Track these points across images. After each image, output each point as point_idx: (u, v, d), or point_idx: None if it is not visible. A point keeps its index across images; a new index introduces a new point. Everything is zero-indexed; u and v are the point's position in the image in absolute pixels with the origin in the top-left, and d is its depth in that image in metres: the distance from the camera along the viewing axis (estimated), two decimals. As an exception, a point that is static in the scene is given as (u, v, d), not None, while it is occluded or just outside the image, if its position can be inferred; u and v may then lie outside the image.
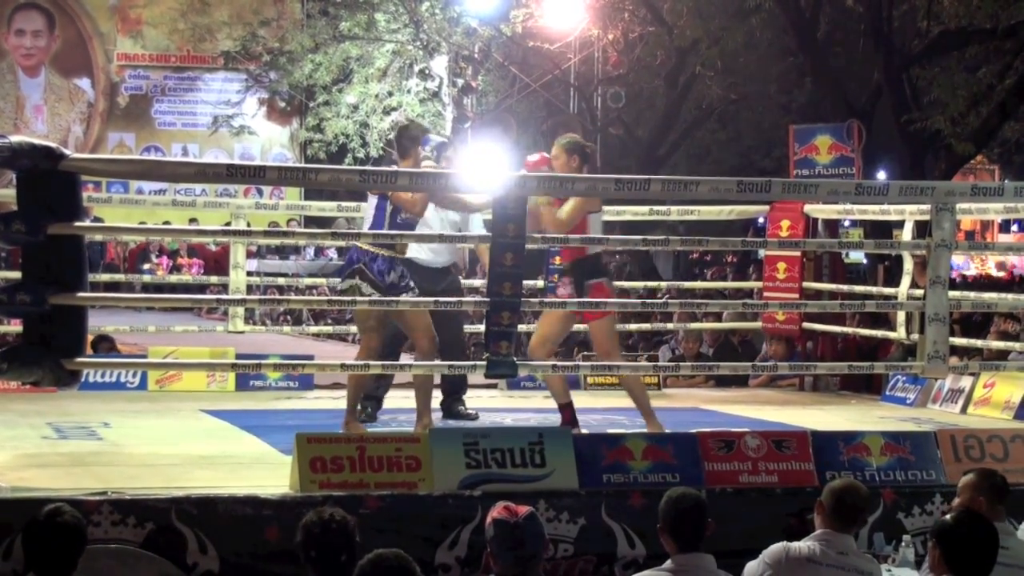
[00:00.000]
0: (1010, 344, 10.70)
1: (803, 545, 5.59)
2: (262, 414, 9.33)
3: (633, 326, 13.79)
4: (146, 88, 30.55)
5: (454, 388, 9.55)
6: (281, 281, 15.74)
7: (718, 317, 13.13)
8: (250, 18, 28.52)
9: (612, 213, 12.42)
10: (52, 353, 6.62)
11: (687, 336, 12.72)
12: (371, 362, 7.83)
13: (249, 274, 12.88)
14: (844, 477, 6.31)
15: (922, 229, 9.39)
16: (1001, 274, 27.22)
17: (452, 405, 9.46)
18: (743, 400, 10.85)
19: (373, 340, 8.20)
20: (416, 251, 9.07)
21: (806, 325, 11.51)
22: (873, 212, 11.49)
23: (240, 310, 11.25)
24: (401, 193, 7.90)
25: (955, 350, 10.43)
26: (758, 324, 12.20)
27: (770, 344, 12.22)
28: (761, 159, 28.10)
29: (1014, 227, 32.24)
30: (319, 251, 27.30)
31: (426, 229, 8.86)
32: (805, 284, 11.40)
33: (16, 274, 7.71)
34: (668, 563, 5.41)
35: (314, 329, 16.51)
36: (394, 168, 7.89)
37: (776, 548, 5.58)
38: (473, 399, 10.39)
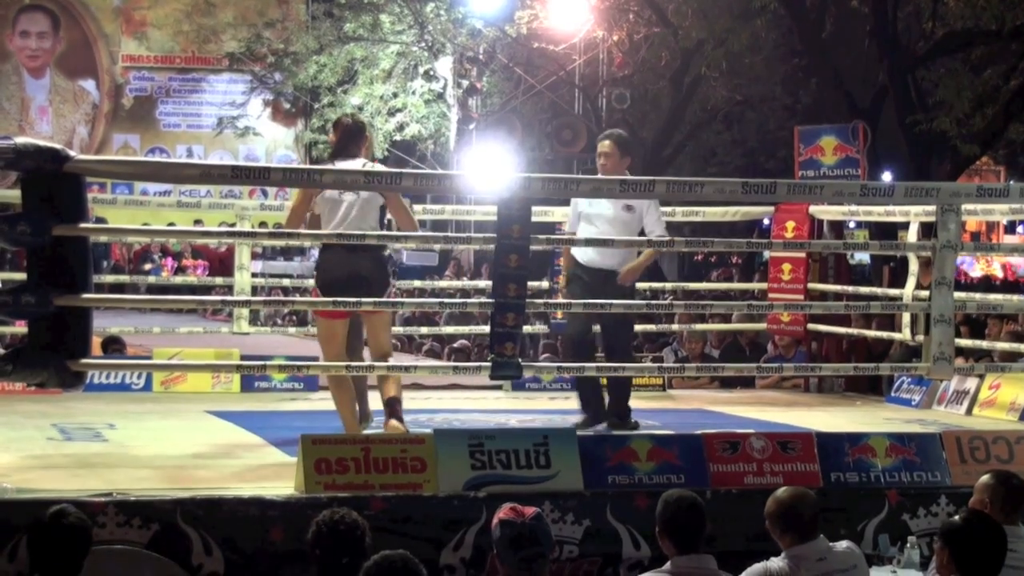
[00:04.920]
0: (1016, 346, 10.68)
1: (782, 564, 5.53)
2: (267, 415, 9.33)
3: (638, 327, 13.79)
4: (151, 89, 30.55)
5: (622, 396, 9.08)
6: (286, 282, 15.76)
7: (724, 318, 13.12)
8: (255, 20, 28.54)
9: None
10: (57, 354, 6.63)
11: (691, 337, 12.71)
12: (376, 363, 7.81)
13: (254, 275, 12.88)
14: (783, 491, 5.76)
15: (927, 230, 9.39)
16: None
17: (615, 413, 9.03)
18: (748, 401, 10.84)
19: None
20: (580, 251, 8.88)
21: (811, 326, 11.51)
22: (878, 213, 11.48)
23: (245, 311, 11.25)
24: None
25: (960, 351, 10.43)
26: (764, 325, 12.19)
27: (778, 345, 12.21)
28: (766, 160, 28.08)
29: (1019, 228, 32.22)
30: (324, 252, 27.29)
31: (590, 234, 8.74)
32: (810, 285, 11.39)
33: (21, 275, 7.70)
34: (668, 565, 5.41)
35: (319, 330, 16.48)
36: (400, 170, 7.84)
37: (756, 569, 5.54)
38: (477, 400, 10.40)
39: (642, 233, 8.82)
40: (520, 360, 7.16)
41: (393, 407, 7.75)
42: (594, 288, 8.61)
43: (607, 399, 8.95)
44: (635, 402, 10.33)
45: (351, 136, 7.99)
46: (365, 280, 7.66)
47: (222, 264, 22.72)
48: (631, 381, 9.18)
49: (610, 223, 8.74)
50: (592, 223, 8.78)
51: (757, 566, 5.54)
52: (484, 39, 25.05)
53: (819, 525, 5.68)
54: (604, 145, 8.82)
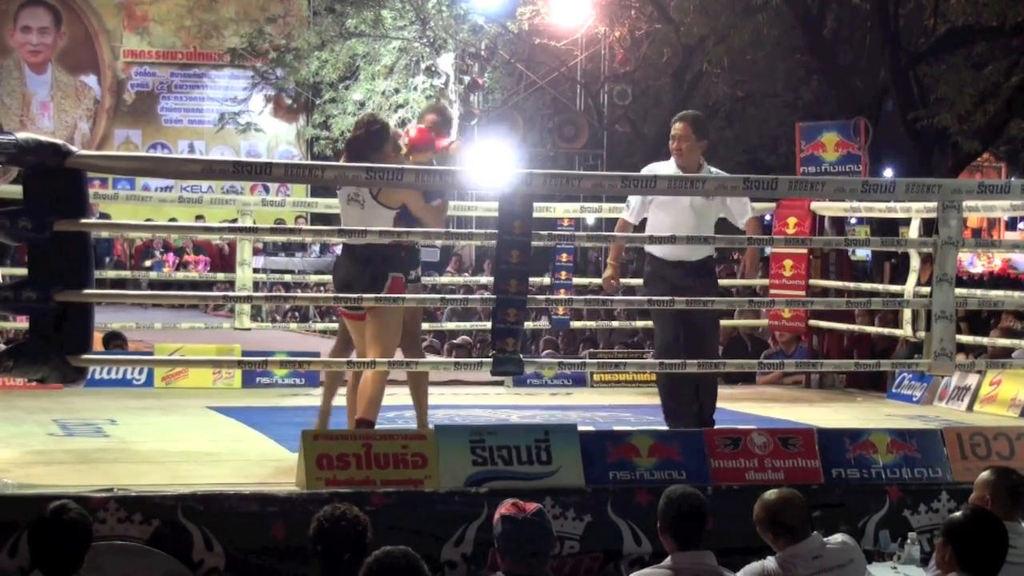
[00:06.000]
0: (1015, 342, 10.69)
1: (778, 564, 5.51)
2: (268, 411, 9.34)
3: (640, 323, 13.80)
4: (152, 85, 30.51)
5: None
6: (287, 278, 15.77)
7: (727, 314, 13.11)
8: (257, 15, 28.52)
9: (619, 210, 12.42)
10: (58, 350, 6.62)
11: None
12: (379, 360, 7.77)
13: (255, 271, 12.88)
14: (770, 496, 5.71)
15: (929, 227, 9.39)
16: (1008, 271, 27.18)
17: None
18: (749, 397, 10.84)
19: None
20: (659, 246, 8.39)
21: (812, 322, 11.51)
22: (880, 209, 11.48)
23: (246, 307, 11.26)
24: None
25: (962, 347, 10.43)
26: (765, 321, 12.19)
27: (779, 341, 12.21)
28: (768, 156, 28.10)
29: (1021, 224, 32.18)
30: (325, 248, 27.29)
31: (664, 224, 8.23)
32: (811, 281, 11.39)
33: (22, 271, 7.70)
34: (667, 560, 5.42)
35: (320, 326, 16.52)
36: (401, 166, 7.76)
37: (753, 568, 5.54)
38: (478, 396, 10.41)
39: (722, 218, 8.45)
40: (521, 356, 7.16)
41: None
42: (680, 286, 8.13)
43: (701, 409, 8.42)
44: (637, 398, 10.35)
45: (364, 143, 7.65)
46: (351, 288, 7.48)
47: (224, 260, 22.73)
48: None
49: (688, 211, 8.27)
50: (665, 210, 8.30)
51: (754, 565, 5.54)
52: (486, 35, 25.03)
53: (811, 523, 5.67)
54: (678, 128, 8.31)
